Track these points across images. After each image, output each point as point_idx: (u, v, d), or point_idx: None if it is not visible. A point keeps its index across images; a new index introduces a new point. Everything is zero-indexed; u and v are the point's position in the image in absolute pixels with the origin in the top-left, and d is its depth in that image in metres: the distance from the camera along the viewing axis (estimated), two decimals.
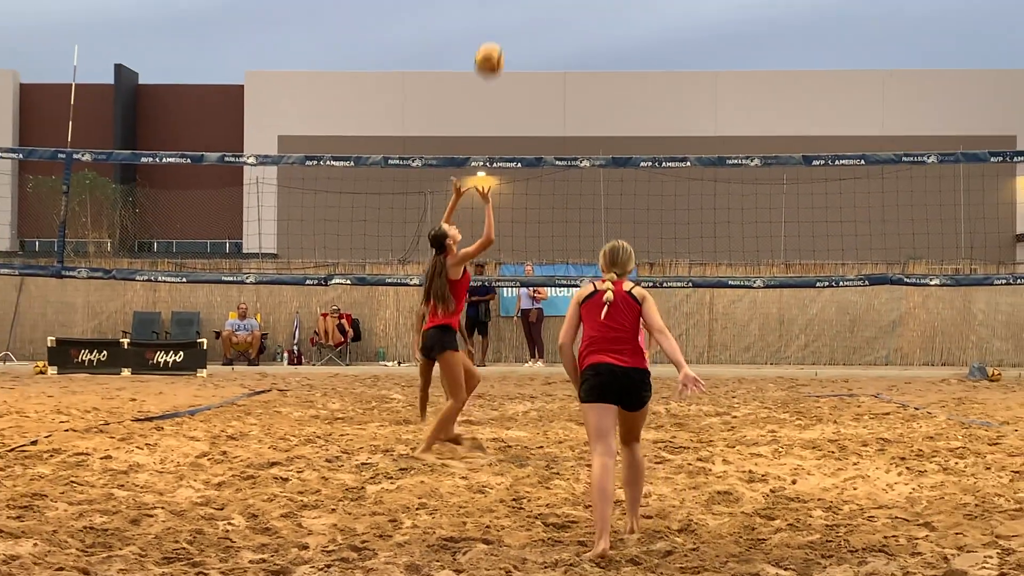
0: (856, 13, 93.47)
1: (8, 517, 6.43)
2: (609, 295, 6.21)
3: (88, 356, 20.33)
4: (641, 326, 6.33)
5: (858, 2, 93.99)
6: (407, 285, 17.70)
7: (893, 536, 6.14)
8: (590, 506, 6.58)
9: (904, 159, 13.66)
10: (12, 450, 9.05)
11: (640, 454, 6.48)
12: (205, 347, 20.68)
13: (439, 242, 9.65)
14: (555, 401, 14.72)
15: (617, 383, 6.17)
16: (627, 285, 6.34)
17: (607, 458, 6.05)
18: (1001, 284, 18.00)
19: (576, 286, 15.77)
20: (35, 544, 5.75)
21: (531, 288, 22.69)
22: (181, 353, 20.43)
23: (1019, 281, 16.11)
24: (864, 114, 31.16)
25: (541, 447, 9.86)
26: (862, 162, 13.55)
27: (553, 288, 23.20)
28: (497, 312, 23.99)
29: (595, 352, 6.22)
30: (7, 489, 7.34)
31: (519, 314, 23.58)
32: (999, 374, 20.19)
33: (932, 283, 13.75)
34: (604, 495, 5.97)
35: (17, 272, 17.72)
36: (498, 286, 23.07)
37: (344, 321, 23.34)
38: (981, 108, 31.10)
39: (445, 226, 9.71)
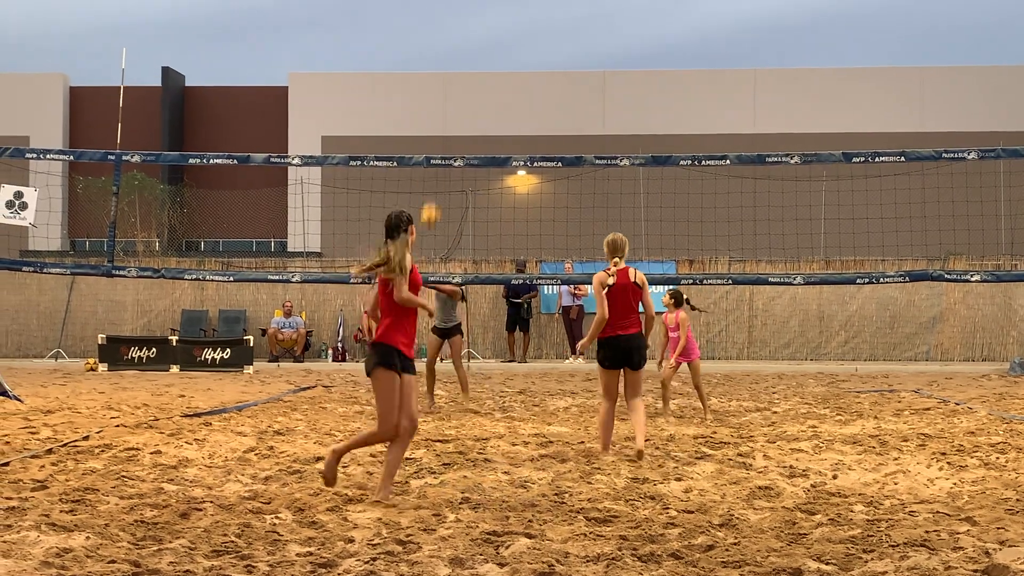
0: (895, 10, 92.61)
1: (61, 511, 6.55)
2: (611, 280, 9.24)
3: (138, 353, 20.64)
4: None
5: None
6: (450, 283, 17.77)
7: (935, 531, 6.11)
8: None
9: (944, 155, 13.53)
10: (64, 445, 9.20)
11: (640, 403, 9.21)
12: (251, 344, 20.90)
13: (396, 226, 7.93)
14: (596, 397, 14.73)
15: (623, 351, 9.18)
16: (630, 274, 9.26)
17: (610, 404, 9.23)
18: None
19: None
20: (87, 537, 5.83)
21: (572, 285, 22.75)
22: (228, 350, 20.67)
23: None
24: (903, 111, 30.86)
25: (582, 442, 9.90)
26: (902, 159, 13.43)
27: None
28: (538, 309, 24.07)
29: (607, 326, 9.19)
30: (60, 483, 7.46)
31: (560, 311, 23.65)
32: None
33: (972, 279, 13.64)
34: (606, 425, 9.20)
35: (68, 271, 17.99)
36: (539, 284, 23.15)
37: None
38: (1021, 104, 30.72)
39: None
